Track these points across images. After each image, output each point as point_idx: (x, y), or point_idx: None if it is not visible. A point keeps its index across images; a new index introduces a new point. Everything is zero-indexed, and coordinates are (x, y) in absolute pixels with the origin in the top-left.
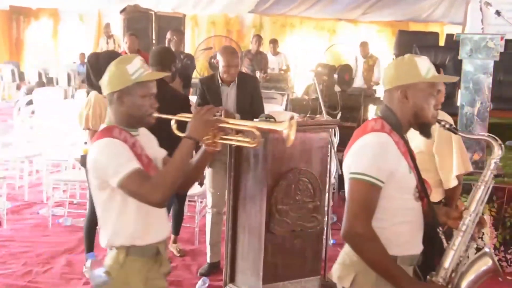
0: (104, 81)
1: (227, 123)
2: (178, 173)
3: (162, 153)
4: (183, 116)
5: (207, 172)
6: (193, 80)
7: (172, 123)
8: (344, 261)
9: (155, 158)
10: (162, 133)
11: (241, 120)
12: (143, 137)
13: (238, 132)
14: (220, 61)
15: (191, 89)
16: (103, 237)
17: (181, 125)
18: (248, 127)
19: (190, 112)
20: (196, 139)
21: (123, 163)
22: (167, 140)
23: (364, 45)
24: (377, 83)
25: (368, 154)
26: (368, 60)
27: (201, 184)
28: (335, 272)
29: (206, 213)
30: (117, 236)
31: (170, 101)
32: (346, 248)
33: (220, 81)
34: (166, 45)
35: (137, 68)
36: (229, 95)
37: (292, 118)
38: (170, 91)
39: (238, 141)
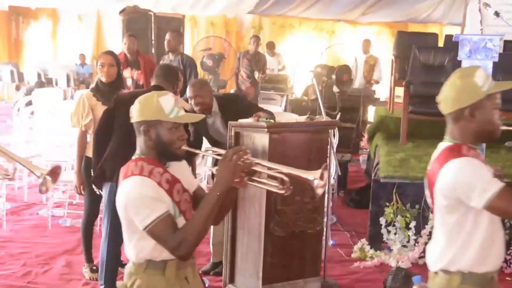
0: (449, 98)
1: None
2: None
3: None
4: None
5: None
6: None
7: None
8: None
9: None
10: None
11: None
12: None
13: None
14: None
15: None
16: (439, 260)
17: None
18: None
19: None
20: None
21: (488, 182)
22: None
23: (367, 42)
24: (377, 82)
25: None
26: (369, 60)
27: None
28: None
29: None
30: (457, 260)
31: None
32: None
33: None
34: (165, 46)
35: (484, 79)
36: (214, 124)
37: None
38: None
39: None
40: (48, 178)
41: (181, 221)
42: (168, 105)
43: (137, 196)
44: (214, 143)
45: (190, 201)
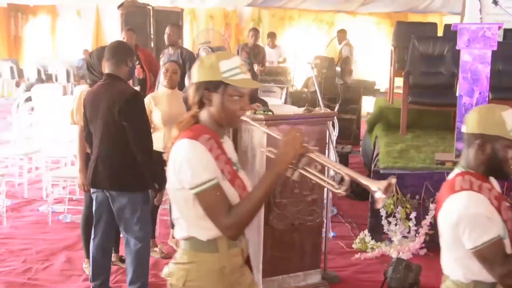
0: None
1: None
2: None
3: None
4: None
5: None
6: None
7: None
8: None
9: None
10: None
11: None
12: None
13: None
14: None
15: None
16: None
17: None
18: None
19: (136, 108)
20: None
21: None
22: None
23: (341, 32)
24: None
25: None
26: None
27: None
28: None
29: None
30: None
31: (117, 97)
32: None
33: None
34: (165, 39)
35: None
36: None
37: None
38: (120, 86)
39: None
40: (383, 195)
41: (507, 242)
42: (511, 121)
43: (472, 214)
44: None
45: None
